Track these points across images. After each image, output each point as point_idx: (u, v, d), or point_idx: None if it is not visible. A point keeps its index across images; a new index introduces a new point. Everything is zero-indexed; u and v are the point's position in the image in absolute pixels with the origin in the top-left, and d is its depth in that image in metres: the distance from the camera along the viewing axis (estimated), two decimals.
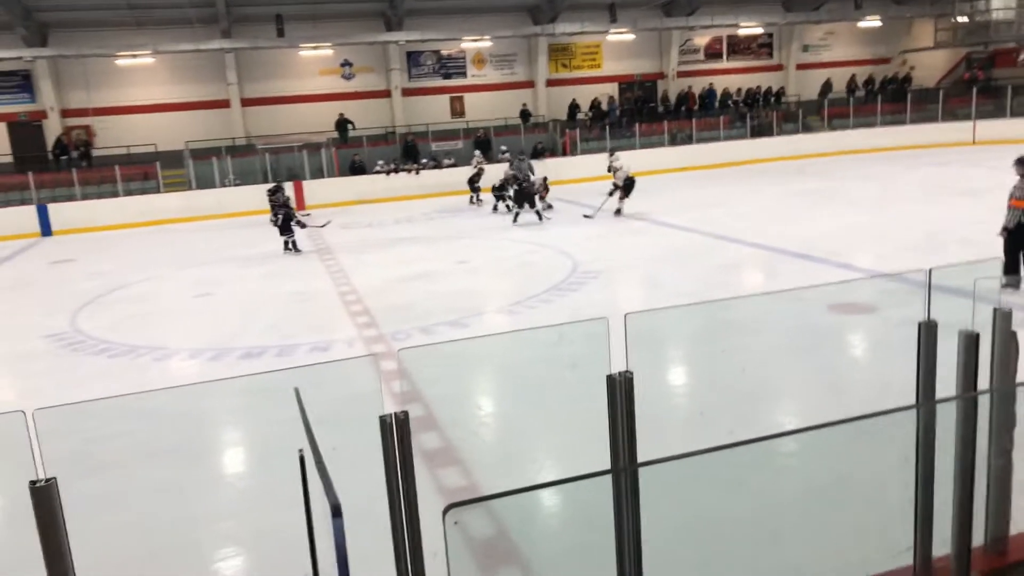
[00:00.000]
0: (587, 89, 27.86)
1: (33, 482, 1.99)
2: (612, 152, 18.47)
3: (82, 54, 22.00)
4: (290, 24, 23.04)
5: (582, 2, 25.04)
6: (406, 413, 2.33)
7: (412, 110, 26.28)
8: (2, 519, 5.01)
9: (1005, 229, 8.42)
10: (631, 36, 27.44)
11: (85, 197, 21.56)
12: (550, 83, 27.76)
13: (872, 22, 29.66)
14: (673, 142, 26.20)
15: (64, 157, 22.48)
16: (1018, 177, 8.48)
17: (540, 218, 16.05)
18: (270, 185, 13.65)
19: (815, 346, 6.56)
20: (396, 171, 23.24)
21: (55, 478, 2.00)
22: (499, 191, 18.33)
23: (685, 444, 2.27)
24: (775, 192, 18.08)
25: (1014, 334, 2.72)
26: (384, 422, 2.32)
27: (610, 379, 2.38)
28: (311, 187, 21.96)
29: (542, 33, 26.00)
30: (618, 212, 16.26)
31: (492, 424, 5.73)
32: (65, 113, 23.52)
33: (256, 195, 21.52)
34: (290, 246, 14.44)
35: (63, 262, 15.71)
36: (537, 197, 16.76)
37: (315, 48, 24.19)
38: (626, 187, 16.32)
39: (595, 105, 27.12)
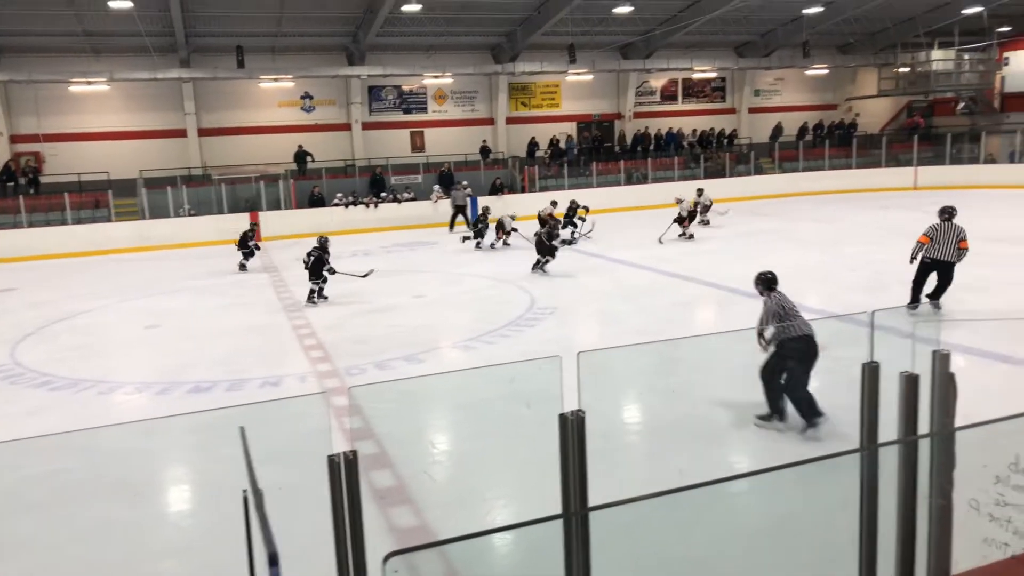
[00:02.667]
0: (546, 127, 28.30)
1: None
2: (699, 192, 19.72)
3: (33, 79, 21.60)
4: (250, 55, 23.01)
5: (542, 43, 25.52)
6: (355, 453, 2.30)
7: (372, 143, 26.32)
8: None
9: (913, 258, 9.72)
10: (589, 77, 28.03)
11: (32, 225, 20.99)
12: (510, 120, 28.11)
13: (819, 70, 30.85)
14: (629, 181, 26.66)
15: (11, 184, 21.90)
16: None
17: (542, 267, 14.59)
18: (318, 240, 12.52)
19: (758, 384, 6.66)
20: (355, 204, 23.17)
21: None
22: (477, 224, 18.40)
23: (639, 483, 2.28)
24: (728, 232, 18.46)
25: (952, 376, 2.81)
26: (332, 462, 2.28)
27: (562, 418, 2.39)
28: (268, 218, 21.73)
29: (503, 72, 26.39)
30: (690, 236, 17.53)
31: (445, 462, 5.67)
32: (14, 139, 22.98)
33: (212, 225, 21.28)
34: (314, 297, 12.28)
35: (3, 291, 15.22)
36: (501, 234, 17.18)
37: (275, 80, 24.16)
38: (691, 216, 17.79)
39: (554, 143, 27.53)
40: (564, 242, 16.02)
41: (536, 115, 28.71)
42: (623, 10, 22.25)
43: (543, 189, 25.25)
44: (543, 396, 2.86)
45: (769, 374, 5.93)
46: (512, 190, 25.41)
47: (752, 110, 31.48)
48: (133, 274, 16.79)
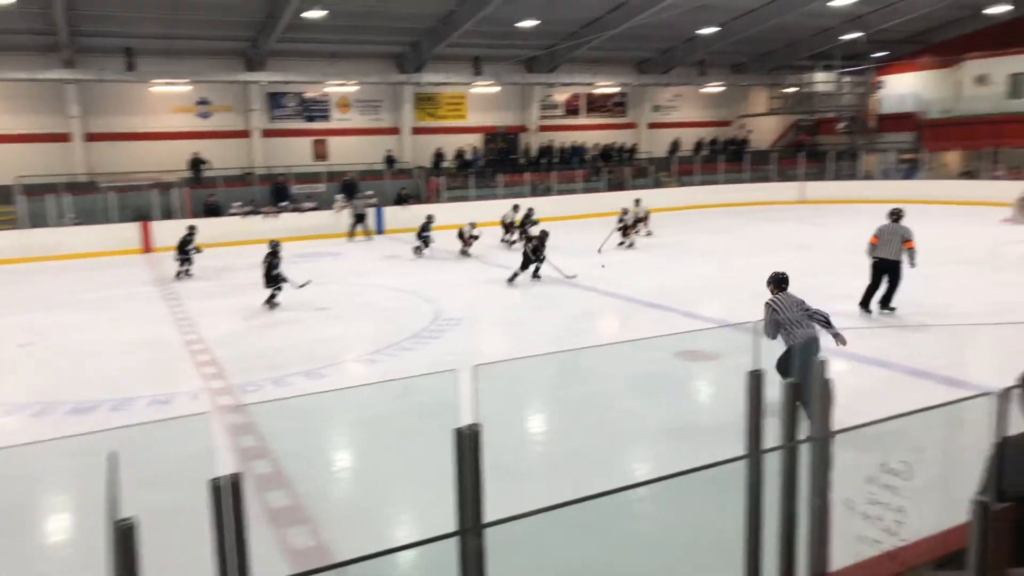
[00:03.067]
0: (452, 138, 28.30)
1: None
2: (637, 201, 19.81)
3: None
4: (141, 58, 22.00)
5: (447, 54, 25.54)
6: (240, 475, 2.19)
7: (273, 151, 25.60)
8: None
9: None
10: (495, 89, 28.25)
11: None
12: (416, 131, 27.97)
13: (714, 88, 32.20)
14: (535, 193, 26.97)
15: None
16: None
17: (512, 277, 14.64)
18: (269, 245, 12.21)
19: (663, 392, 6.85)
20: (254, 213, 22.45)
21: None
22: (422, 233, 18.26)
23: (540, 495, 2.29)
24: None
25: (829, 382, 2.95)
26: (215, 485, 2.17)
27: (457, 433, 2.35)
28: (161, 228, 20.75)
29: (408, 82, 26.24)
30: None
31: (344, 480, 5.54)
32: None
33: (100, 235, 20.14)
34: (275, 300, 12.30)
35: None
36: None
37: (168, 84, 23.16)
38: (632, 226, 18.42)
39: (460, 154, 27.57)
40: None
41: (442, 126, 28.68)
42: (528, 24, 22.57)
43: (449, 200, 25.22)
44: (441, 410, 2.83)
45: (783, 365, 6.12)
46: (418, 200, 25.25)
47: (652, 125, 32.48)
48: (9, 287, 15.68)
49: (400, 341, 9.85)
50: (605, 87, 30.48)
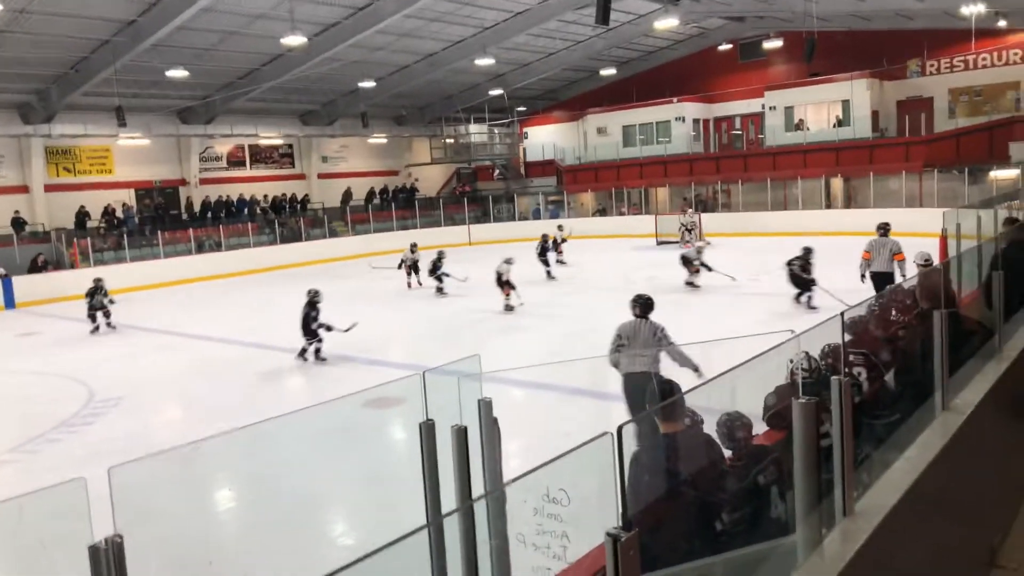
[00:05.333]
0: (98, 195, 25.36)
1: None
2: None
3: None
4: None
5: (84, 103, 22.92)
6: None
7: None
8: None
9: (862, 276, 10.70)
10: (146, 141, 26.01)
11: None
12: (50, 188, 24.59)
13: (379, 139, 33.27)
14: (201, 250, 25.27)
15: None
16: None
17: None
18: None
19: (354, 449, 6.80)
20: None
21: None
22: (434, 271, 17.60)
23: None
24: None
25: (495, 420, 3.19)
26: None
27: (92, 550, 1.87)
28: None
29: (35, 134, 23.07)
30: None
31: None
32: None
33: None
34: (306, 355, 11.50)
35: None
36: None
37: None
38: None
39: (109, 212, 24.81)
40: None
41: (84, 182, 25.59)
42: (177, 74, 21.21)
43: (99, 263, 22.51)
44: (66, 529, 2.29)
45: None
46: (59, 266, 22.15)
47: (321, 175, 32.46)
48: None
49: (44, 433, 8.49)
50: (269, 139, 29.80)
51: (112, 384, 10.68)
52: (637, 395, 6.18)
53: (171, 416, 9.78)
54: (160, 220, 26.06)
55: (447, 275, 17.41)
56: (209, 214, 27.19)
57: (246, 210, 28.15)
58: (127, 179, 26.74)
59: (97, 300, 15.06)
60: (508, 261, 15.11)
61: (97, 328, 15.09)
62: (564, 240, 21.29)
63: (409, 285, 18.77)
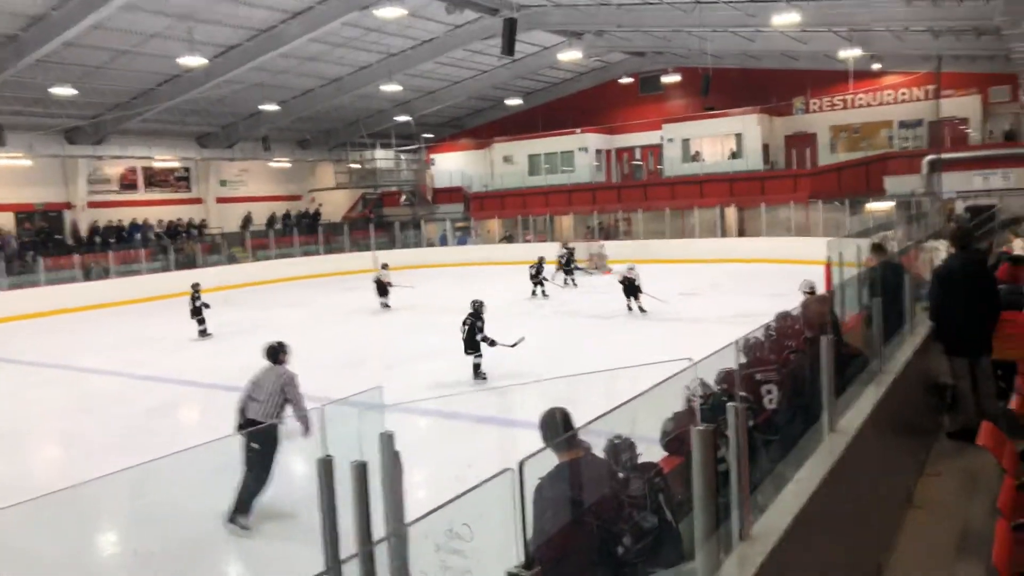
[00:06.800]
0: None
1: None
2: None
3: None
4: None
5: None
6: None
7: None
8: None
9: None
10: (28, 162, 24.47)
11: None
12: None
13: (282, 163, 32.53)
14: (88, 277, 23.88)
15: None
16: None
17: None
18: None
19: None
20: None
21: None
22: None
23: None
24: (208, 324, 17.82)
25: (397, 454, 3.11)
26: None
27: None
28: None
29: None
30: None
31: None
32: None
33: None
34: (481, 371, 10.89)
35: None
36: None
37: None
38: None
39: None
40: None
41: None
42: (63, 91, 20.10)
43: None
44: None
45: None
46: None
47: (220, 200, 31.39)
48: None
49: None
50: (164, 161, 28.63)
51: None
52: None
53: (52, 456, 9.13)
54: (42, 245, 24.51)
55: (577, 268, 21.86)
56: (98, 239, 25.79)
57: (138, 235, 26.85)
58: (5, 201, 25.06)
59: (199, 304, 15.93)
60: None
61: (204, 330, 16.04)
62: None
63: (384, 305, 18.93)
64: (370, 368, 12.26)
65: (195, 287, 16.27)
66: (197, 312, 15.99)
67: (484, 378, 10.69)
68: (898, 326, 5.67)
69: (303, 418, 6.18)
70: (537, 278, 19.75)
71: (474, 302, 10.86)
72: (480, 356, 10.70)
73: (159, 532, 5.56)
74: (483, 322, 10.67)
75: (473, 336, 10.58)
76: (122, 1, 16.22)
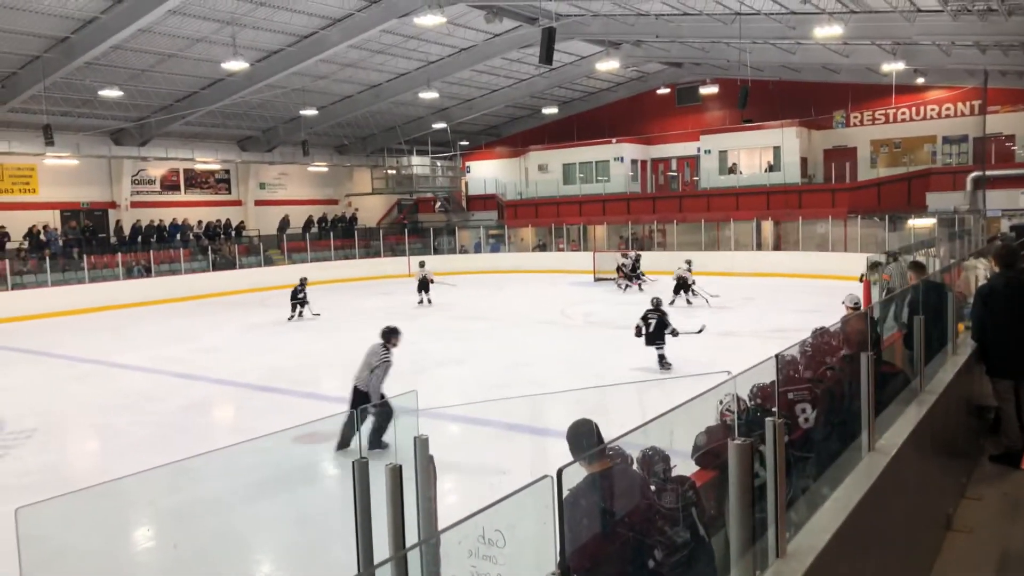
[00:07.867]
0: (21, 215, 24.30)
1: None
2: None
3: None
4: None
5: (9, 120, 22.04)
6: None
7: None
8: None
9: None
10: (75, 162, 25.12)
11: None
12: None
13: (320, 167, 32.93)
14: (130, 275, 24.41)
15: None
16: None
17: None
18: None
19: (283, 487, 6.58)
20: None
21: None
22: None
23: None
24: (239, 325, 18.10)
25: (432, 458, 3.13)
26: None
27: None
28: None
29: None
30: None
31: None
32: None
33: None
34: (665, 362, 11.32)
35: None
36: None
37: None
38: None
39: (32, 234, 23.78)
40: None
41: (5, 201, 24.50)
42: (111, 94, 20.62)
43: (17, 287, 21.53)
44: None
45: None
46: None
47: (259, 202, 31.89)
48: None
49: None
50: (206, 163, 29.17)
51: (26, 415, 10.12)
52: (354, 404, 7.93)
53: (88, 450, 9.32)
54: (87, 243, 25.10)
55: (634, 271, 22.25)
56: (139, 238, 26.34)
57: (178, 235, 27.37)
58: (52, 200, 25.73)
59: (301, 296, 18.02)
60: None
61: (301, 315, 18.07)
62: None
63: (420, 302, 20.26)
64: (399, 371, 12.29)
65: (303, 280, 18.63)
66: (300, 302, 18.14)
67: (669, 367, 11.09)
68: (940, 345, 5.55)
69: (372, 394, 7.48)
70: (635, 272, 21.79)
71: (654, 300, 11.54)
72: (663, 346, 11.16)
73: (192, 530, 5.64)
74: (666, 314, 11.33)
75: (662, 329, 11.09)
76: (169, 5, 16.59)
